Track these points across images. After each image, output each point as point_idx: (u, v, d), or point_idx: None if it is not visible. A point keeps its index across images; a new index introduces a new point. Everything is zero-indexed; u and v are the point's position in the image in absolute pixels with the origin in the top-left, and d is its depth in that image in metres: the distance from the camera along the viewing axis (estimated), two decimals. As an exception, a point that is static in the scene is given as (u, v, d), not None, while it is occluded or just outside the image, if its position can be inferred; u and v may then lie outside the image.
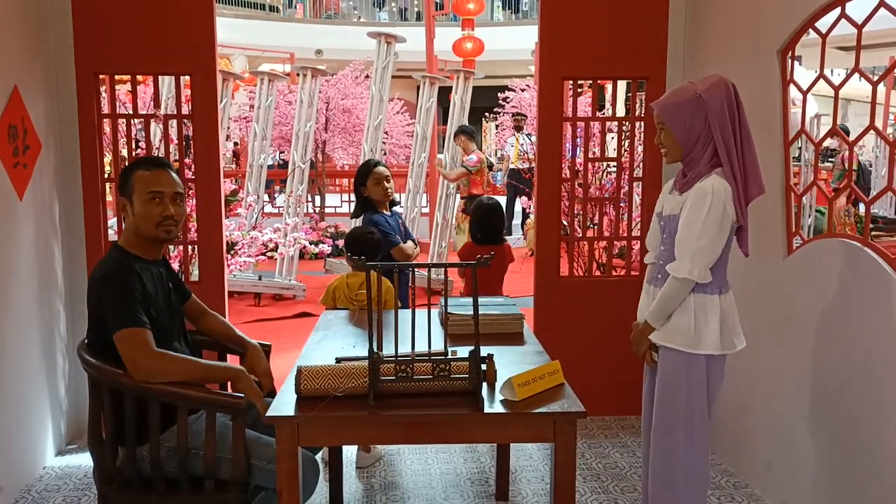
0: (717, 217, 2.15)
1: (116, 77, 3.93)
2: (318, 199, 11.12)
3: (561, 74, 3.76)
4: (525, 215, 9.90)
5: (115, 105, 3.80)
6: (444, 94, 8.63)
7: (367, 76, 10.75)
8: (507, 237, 4.11)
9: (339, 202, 12.41)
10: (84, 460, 3.35)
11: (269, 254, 6.79)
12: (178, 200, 2.32)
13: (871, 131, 2.53)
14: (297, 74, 8.04)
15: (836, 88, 2.64)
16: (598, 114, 4.19)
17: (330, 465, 2.99)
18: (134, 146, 3.93)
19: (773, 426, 2.93)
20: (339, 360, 2.17)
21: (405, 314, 2.42)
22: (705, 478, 2.34)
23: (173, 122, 3.82)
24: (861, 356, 2.40)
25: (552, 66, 3.74)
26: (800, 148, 5.93)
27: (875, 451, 2.33)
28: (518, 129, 10.36)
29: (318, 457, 2.54)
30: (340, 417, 1.87)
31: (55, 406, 3.42)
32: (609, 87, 4.09)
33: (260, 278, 7.13)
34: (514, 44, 15.63)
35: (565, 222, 4.18)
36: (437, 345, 2.09)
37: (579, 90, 4.99)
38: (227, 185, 6.44)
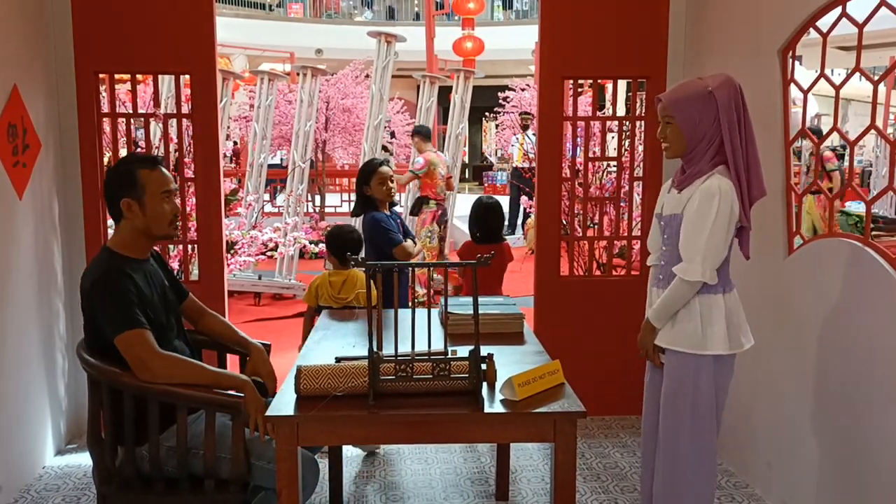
0: (725, 218, 2.14)
1: (116, 76, 3.93)
2: (318, 198, 11.12)
3: (561, 74, 3.75)
4: (525, 215, 9.90)
5: (115, 104, 3.80)
6: (445, 94, 8.63)
7: (367, 76, 10.75)
8: (508, 236, 4.11)
9: (339, 202, 12.41)
10: (83, 460, 3.35)
11: (268, 253, 6.80)
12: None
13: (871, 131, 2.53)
14: (297, 74, 8.04)
15: (837, 88, 2.64)
16: (599, 113, 4.19)
17: (330, 465, 2.99)
18: (134, 146, 3.92)
19: (773, 426, 2.93)
20: (338, 360, 2.17)
21: (405, 314, 2.42)
22: (713, 480, 2.33)
23: (173, 122, 3.82)
24: (862, 356, 2.40)
25: (552, 65, 3.73)
26: (801, 148, 5.93)
27: (875, 451, 2.33)
28: (524, 127, 10.36)
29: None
30: (340, 417, 1.87)
31: (55, 405, 3.42)
32: (609, 86, 4.09)
33: (260, 278, 7.13)
34: (514, 43, 15.63)
35: (565, 222, 4.18)
36: (437, 344, 2.08)
37: (579, 90, 4.99)
38: (226, 185, 6.44)
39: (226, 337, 2.55)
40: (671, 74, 3.72)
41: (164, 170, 2.29)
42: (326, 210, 11.20)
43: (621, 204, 4.13)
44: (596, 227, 4.31)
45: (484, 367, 1.93)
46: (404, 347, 1.95)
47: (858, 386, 2.41)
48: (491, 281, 3.69)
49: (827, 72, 2.70)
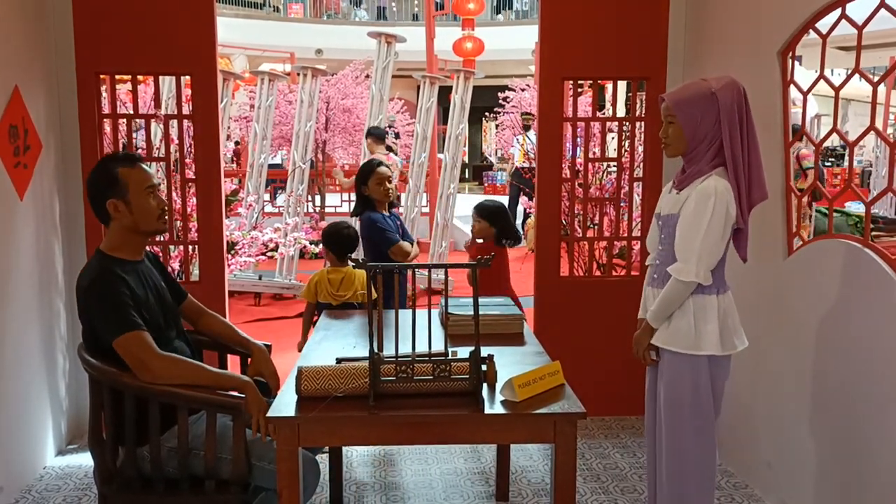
0: (720, 219, 2.15)
1: (117, 77, 3.94)
2: (318, 198, 11.12)
3: (561, 74, 3.76)
4: (525, 215, 9.91)
5: (116, 105, 3.81)
6: (445, 94, 8.62)
7: (367, 76, 10.74)
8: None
9: (339, 202, 12.40)
10: (84, 460, 3.35)
11: (269, 253, 6.79)
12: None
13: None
14: (298, 74, 8.04)
15: (837, 89, 2.64)
16: (599, 114, 4.19)
17: (330, 466, 2.99)
18: (134, 146, 3.93)
19: (773, 426, 2.93)
20: (339, 361, 2.17)
21: (405, 314, 2.43)
22: (714, 477, 2.34)
23: (174, 122, 3.82)
24: (861, 357, 2.40)
25: (552, 66, 3.74)
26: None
27: (875, 452, 2.33)
28: (526, 128, 10.36)
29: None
30: (341, 418, 1.88)
31: (55, 406, 3.42)
32: (609, 87, 4.09)
33: (260, 278, 7.13)
34: (514, 44, 15.63)
35: (565, 222, 4.18)
36: (438, 345, 2.09)
37: (579, 90, 4.99)
38: (227, 185, 6.44)
39: (227, 337, 2.55)
40: (671, 75, 3.72)
41: (143, 166, 2.29)
42: (326, 210, 11.20)
43: (621, 204, 4.13)
44: (596, 227, 4.31)
45: (484, 367, 1.94)
46: (405, 348, 1.95)
47: (858, 386, 2.41)
48: (500, 281, 3.67)
49: (827, 72, 2.71)
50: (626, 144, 4.32)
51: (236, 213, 7.18)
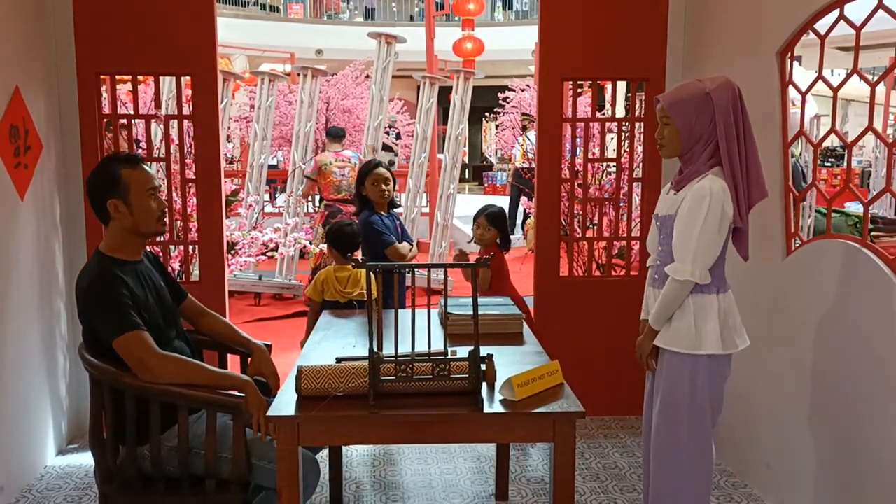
0: (716, 218, 2.15)
1: (117, 77, 3.94)
2: (318, 198, 11.12)
3: (561, 75, 3.76)
4: (525, 215, 9.91)
5: (116, 105, 3.81)
6: (445, 94, 8.63)
7: (367, 76, 10.74)
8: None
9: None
10: (85, 460, 3.36)
11: (269, 254, 6.80)
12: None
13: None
14: (298, 74, 8.04)
15: (835, 90, 2.65)
16: (598, 114, 4.20)
17: (330, 465, 3.00)
18: (135, 146, 3.93)
19: (772, 426, 2.94)
20: (339, 360, 2.18)
21: (405, 314, 2.43)
22: (709, 479, 2.34)
23: (174, 122, 3.82)
24: (860, 357, 2.41)
25: (552, 66, 3.74)
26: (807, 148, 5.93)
27: (874, 452, 2.34)
28: (524, 128, 10.37)
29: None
30: (340, 417, 1.88)
31: (56, 405, 3.43)
32: (609, 87, 4.10)
33: (260, 278, 7.14)
34: (514, 44, 15.63)
35: (565, 223, 4.19)
36: (437, 345, 2.09)
37: (579, 91, 5.00)
38: (227, 185, 6.44)
39: (227, 337, 2.56)
40: (670, 75, 3.73)
41: (145, 167, 2.30)
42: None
43: (621, 205, 4.14)
44: (595, 227, 4.32)
45: (483, 367, 1.94)
46: (404, 348, 1.96)
47: (857, 386, 2.42)
48: (501, 282, 3.68)
49: (827, 72, 2.71)
50: (626, 145, 4.33)
51: (236, 213, 7.18)
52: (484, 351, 1.96)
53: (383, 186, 3.64)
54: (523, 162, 10.19)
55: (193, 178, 3.73)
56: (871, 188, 9.05)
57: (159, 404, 2.13)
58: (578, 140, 4.51)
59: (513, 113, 11.13)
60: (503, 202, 11.71)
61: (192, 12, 3.54)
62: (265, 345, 2.53)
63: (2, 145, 2.96)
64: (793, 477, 2.79)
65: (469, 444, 3.50)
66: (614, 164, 4.32)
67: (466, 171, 19.76)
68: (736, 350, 2.28)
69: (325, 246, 6.20)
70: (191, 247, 3.82)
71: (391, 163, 11.05)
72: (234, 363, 2.62)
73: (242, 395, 2.14)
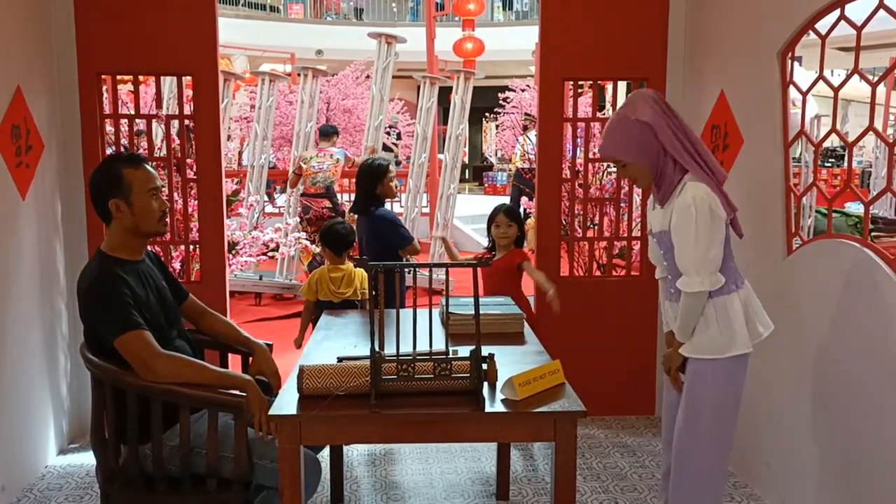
0: (706, 223, 2.14)
1: (118, 77, 3.95)
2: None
3: (561, 75, 3.77)
4: (526, 215, 9.91)
5: (118, 105, 3.82)
6: (445, 94, 8.64)
7: (367, 76, 10.76)
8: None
9: (342, 202, 12.42)
10: (86, 459, 3.36)
11: (269, 253, 6.81)
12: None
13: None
14: (298, 74, 8.05)
15: (836, 90, 2.65)
16: (599, 114, 4.20)
17: (331, 464, 3.00)
18: (136, 146, 3.94)
19: (772, 426, 2.94)
20: (340, 360, 2.18)
21: (406, 314, 2.43)
22: (724, 479, 2.32)
23: (174, 122, 3.83)
24: (860, 357, 2.41)
25: (552, 66, 3.75)
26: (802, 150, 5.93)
27: (874, 452, 2.34)
28: (525, 128, 10.37)
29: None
30: (342, 416, 1.88)
31: (57, 405, 3.43)
32: (609, 87, 4.10)
33: (261, 278, 7.14)
34: (514, 44, 15.63)
35: (565, 222, 4.19)
36: (439, 344, 2.09)
37: (579, 90, 5.00)
38: (228, 186, 6.45)
39: (228, 337, 2.56)
40: (671, 75, 3.73)
41: (148, 167, 2.30)
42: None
43: (621, 204, 4.14)
44: (596, 227, 4.32)
45: (485, 366, 1.95)
46: (406, 347, 1.96)
47: (857, 386, 2.42)
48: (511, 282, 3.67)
49: (827, 72, 2.71)
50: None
51: (237, 213, 7.18)
52: (485, 350, 1.97)
53: (391, 185, 3.80)
54: (523, 162, 10.19)
55: (194, 178, 3.74)
56: (872, 188, 9.04)
57: (161, 404, 2.13)
58: (579, 140, 4.51)
59: (513, 113, 11.13)
60: (503, 202, 11.71)
61: (193, 12, 3.54)
62: (266, 344, 2.53)
63: (3, 145, 2.96)
64: (793, 477, 2.80)
65: (470, 444, 3.51)
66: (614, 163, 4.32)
67: (466, 171, 19.77)
68: (761, 339, 2.26)
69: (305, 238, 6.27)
70: (192, 246, 3.83)
71: (398, 162, 11.05)
72: (235, 363, 2.62)
73: (244, 394, 2.15)
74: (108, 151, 3.83)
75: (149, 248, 2.43)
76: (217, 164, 3.66)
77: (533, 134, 10.00)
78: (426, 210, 9.47)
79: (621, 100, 5.34)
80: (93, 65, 3.53)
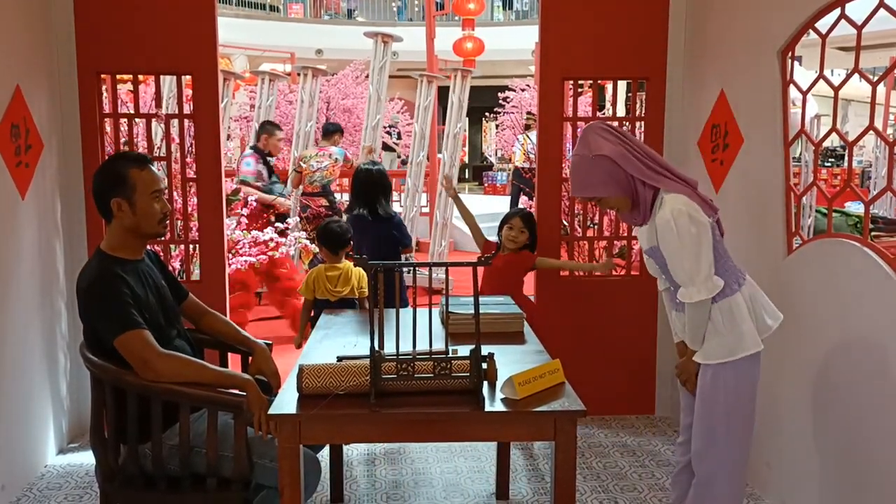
0: (689, 235, 2.13)
1: (118, 76, 3.94)
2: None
3: (561, 74, 3.77)
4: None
5: (117, 104, 3.81)
6: (445, 94, 8.63)
7: (367, 76, 10.74)
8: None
9: (340, 201, 12.42)
10: (86, 458, 3.36)
11: (270, 253, 6.79)
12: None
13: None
14: (298, 74, 8.05)
15: (836, 89, 2.65)
16: (599, 114, 4.20)
17: (331, 463, 3.00)
18: (135, 146, 3.94)
19: (772, 426, 2.94)
20: (340, 359, 2.18)
21: (406, 313, 2.43)
22: (744, 479, 2.32)
23: (174, 121, 3.82)
24: (861, 356, 2.41)
25: (552, 66, 3.75)
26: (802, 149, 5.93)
27: (875, 451, 2.34)
28: (527, 127, 10.36)
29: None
30: (342, 415, 1.88)
31: (57, 404, 3.43)
32: (609, 87, 4.10)
33: (261, 278, 7.13)
34: (514, 44, 15.63)
35: (565, 222, 4.19)
36: (438, 343, 2.09)
37: (579, 90, 5.00)
38: (228, 185, 6.44)
39: (228, 336, 2.56)
40: (671, 75, 3.73)
41: (153, 169, 2.30)
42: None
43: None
44: (596, 227, 4.32)
45: (485, 366, 1.95)
46: (405, 346, 1.96)
47: (858, 385, 2.42)
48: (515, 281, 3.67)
49: (827, 72, 2.71)
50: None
51: (237, 212, 7.18)
52: (485, 350, 1.97)
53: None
54: (523, 161, 10.19)
55: (194, 177, 3.73)
56: (872, 188, 9.04)
57: (160, 403, 2.13)
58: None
59: (513, 113, 11.13)
60: (503, 202, 11.72)
61: (192, 12, 3.54)
62: (266, 344, 2.53)
63: (3, 144, 2.96)
64: (794, 477, 2.80)
65: (470, 443, 3.50)
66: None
67: (466, 171, 19.76)
68: (770, 332, 2.26)
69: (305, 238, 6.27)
70: (191, 246, 3.82)
71: (403, 161, 11.03)
72: (234, 362, 2.62)
73: (244, 393, 2.15)
74: (108, 151, 3.83)
75: (148, 247, 2.43)
76: (217, 164, 3.66)
77: (534, 133, 9.99)
78: (426, 210, 9.46)
79: (621, 99, 5.37)
80: (92, 64, 3.53)
